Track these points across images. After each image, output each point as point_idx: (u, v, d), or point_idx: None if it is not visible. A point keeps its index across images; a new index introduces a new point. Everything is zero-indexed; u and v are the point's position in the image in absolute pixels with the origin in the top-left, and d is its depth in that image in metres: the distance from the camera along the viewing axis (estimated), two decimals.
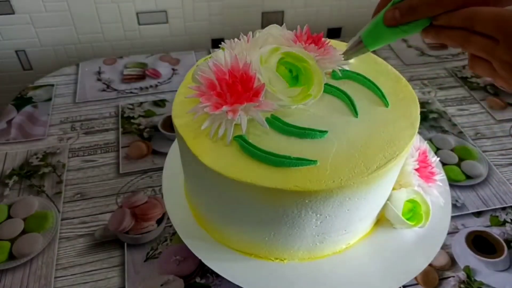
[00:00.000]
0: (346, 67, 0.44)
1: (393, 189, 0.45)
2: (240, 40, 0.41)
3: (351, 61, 0.44)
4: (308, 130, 0.38)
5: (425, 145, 0.48)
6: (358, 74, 0.45)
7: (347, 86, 0.43)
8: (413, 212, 0.45)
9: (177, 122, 0.40)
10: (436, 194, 0.47)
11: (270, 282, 0.41)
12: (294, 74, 0.39)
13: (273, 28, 0.43)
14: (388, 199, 0.44)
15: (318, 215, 0.37)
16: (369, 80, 0.44)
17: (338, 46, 0.47)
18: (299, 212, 0.36)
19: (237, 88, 0.36)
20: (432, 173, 0.47)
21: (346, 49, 0.41)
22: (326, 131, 0.38)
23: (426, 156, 0.47)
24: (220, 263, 0.43)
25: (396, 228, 0.46)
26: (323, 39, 0.43)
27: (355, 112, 0.41)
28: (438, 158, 0.50)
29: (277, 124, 0.38)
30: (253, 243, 0.42)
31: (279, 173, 0.35)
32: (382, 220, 0.46)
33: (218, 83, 0.36)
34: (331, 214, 0.38)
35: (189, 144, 0.37)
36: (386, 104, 0.42)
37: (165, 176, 0.52)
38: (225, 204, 0.40)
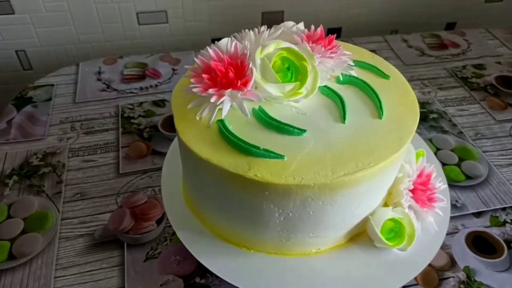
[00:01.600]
0: (353, 73, 0.44)
1: (385, 205, 0.44)
2: (246, 31, 0.42)
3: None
4: (286, 126, 0.38)
5: (432, 169, 0.46)
6: (362, 81, 0.44)
7: (348, 91, 0.43)
8: (395, 232, 0.43)
9: (174, 101, 0.42)
10: (429, 221, 0.44)
11: (240, 270, 0.42)
12: (291, 71, 0.40)
13: (288, 25, 0.44)
14: (371, 214, 0.43)
15: (280, 211, 0.37)
16: (372, 89, 0.43)
17: (349, 49, 0.46)
18: (260, 203, 0.37)
19: (228, 75, 0.37)
20: (431, 199, 0.45)
21: None
22: (304, 130, 0.38)
23: (429, 180, 0.45)
24: (217, 262, 0.43)
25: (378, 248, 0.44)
26: (334, 41, 0.42)
27: (343, 118, 0.40)
28: (446, 185, 0.48)
29: (260, 115, 0.39)
30: (228, 229, 0.43)
31: (244, 161, 0.36)
32: (365, 234, 0.45)
33: (213, 68, 0.38)
34: (293, 213, 0.37)
35: (176, 120, 0.40)
36: (380, 115, 0.41)
37: (164, 176, 0.52)
38: (201, 185, 0.41)
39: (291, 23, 0.44)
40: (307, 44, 0.41)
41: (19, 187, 0.57)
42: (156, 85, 0.76)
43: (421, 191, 0.44)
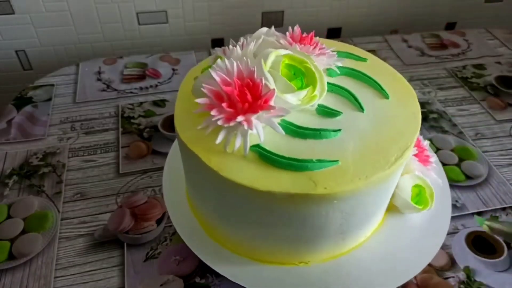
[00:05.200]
0: (340, 64, 0.44)
1: None
2: (234, 47, 0.40)
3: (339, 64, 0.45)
4: (322, 130, 0.37)
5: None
6: (354, 69, 0.45)
7: (345, 83, 0.43)
8: (419, 196, 0.46)
9: (185, 137, 0.38)
10: (435, 176, 0.47)
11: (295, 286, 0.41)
12: (299, 76, 0.39)
13: (264, 32, 0.43)
14: (396, 188, 0.44)
15: (343, 214, 0.37)
16: (366, 75, 0.44)
17: (329, 44, 0.46)
18: (326, 214, 0.36)
19: (246, 97, 0.34)
20: (428, 156, 0.48)
21: None
22: (339, 130, 0.38)
23: (420, 141, 0.49)
24: (226, 267, 0.42)
25: (403, 215, 0.47)
26: (314, 38, 0.43)
27: (360, 107, 0.41)
28: (428, 142, 0.51)
29: (291, 128, 0.38)
30: (273, 250, 0.41)
31: (304, 178, 0.34)
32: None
33: (226, 93, 0.35)
34: (355, 210, 0.38)
35: (205, 160, 0.36)
36: (386, 96, 0.42)
37: (165, 176, 0.52)
38: (246, 216, 0.38)
39: (264, 29, 0.43)
40: (297, 46, 0.41)
41: (19, 187, 0.57)
42: (156, 85, 0.76)
43: (420, 152, 0.47)
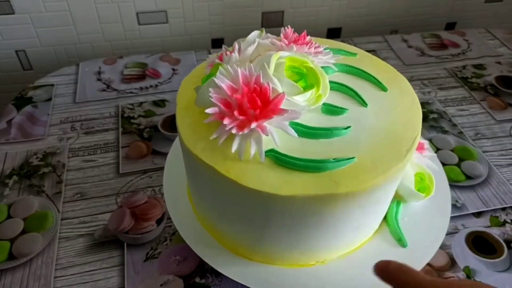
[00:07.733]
0: (333, 61, 0.44)
1: None
2: (227, 54, 0.40)
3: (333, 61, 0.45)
4: (333, 129, 0.37)
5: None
6: (349, 65, 0.45)
7: (343, 79, 0.44)
8: (420, 184, 0.46)
9: (196, 150, 0.37)
10: (430, 162, 0.48)
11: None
12: (302, 78, 0.39)
13: (256, 35, 0.43)
14: None
15: (362, 209, 0.37)
16: (361, 70, 0.45)
17: (320, 42, 0.46)
18: (347, 211, 0.36)
19: (256, 103, 0.34)
20: (422, 143, 0.48)
21: None
22: (349, 127, 0.38)
23: None
24: (233, 269, 0.42)
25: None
26: (307, 37, 0.42)
27: (363, 102, 0.41)
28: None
29: (301, 129, 0.37)
30: (285, 252, 0.41)
31: (325, 179, 0.34)
32: None
33: (235, 101, 0.34)
34: (372, 204, 0.38)
35: (223, 171, 0.35)
36: (384, 88, 0.43)
37: (166, 176, 0.51)
38: (262, 221, 0.37)
39: (256, 32, 0.43)
40: (294, 47, 0.40)
41: (19, 187, 0.57)
42: (156, 85, 0.76)
43: None
